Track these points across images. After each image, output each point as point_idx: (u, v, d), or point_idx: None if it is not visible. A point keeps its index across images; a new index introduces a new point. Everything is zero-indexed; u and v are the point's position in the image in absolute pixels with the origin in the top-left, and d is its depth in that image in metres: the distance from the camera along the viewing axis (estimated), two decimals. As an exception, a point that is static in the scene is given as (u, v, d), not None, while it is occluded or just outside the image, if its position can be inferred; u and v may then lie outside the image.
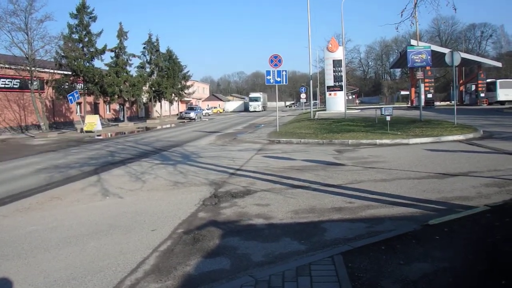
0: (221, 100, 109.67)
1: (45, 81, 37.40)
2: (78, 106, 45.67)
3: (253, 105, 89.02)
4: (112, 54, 46.33)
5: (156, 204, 7.86)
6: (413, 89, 54.89)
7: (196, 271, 4.64)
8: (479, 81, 50.37)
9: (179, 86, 62.10)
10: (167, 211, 7.27)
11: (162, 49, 59.26)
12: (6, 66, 32.22)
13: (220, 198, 7.95)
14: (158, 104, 62.38)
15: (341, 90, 43.10)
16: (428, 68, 39.55)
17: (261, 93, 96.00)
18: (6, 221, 7.29)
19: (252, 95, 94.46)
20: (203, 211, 7.13)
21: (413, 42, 40.81)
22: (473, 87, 54.34)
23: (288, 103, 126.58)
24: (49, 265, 5.08)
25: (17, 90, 38.37)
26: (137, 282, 4.43)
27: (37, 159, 16.65)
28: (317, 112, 41.25)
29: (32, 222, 7.10)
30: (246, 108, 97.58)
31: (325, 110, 47.05)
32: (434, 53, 32.80)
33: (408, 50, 23.29)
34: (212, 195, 8.24)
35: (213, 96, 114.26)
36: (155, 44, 57.16)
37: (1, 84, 36.63)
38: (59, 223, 6.96)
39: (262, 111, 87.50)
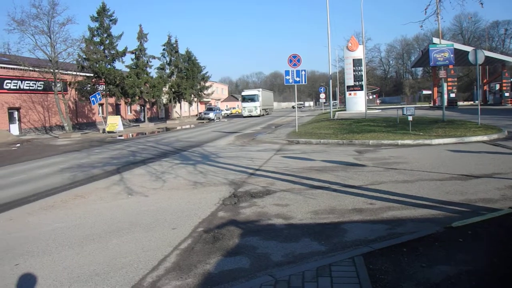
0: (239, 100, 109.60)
1: (68, 83, 38.08)
2: (100, 107, 46.48)
3: (248, 108, 60.95)
4: (133, 56, 46.96)
5: (176, 203, 7.92)
6: (435, 89, 54.13)
7: (216, 269, 4.66)
8: (504, 80, 49.42)
9: (198, 87, 62.51)
10: (187, 210, 7.33)
11: (181, 51, 59.91)
12: (30, 68, 32.92)
13: (239, 198, 7.97)
14: (177, 105, 62.87)
15: (361, 89, 42.77)
16: (451, 66, 39.03)
17: (260, 89, 65.75)
18: (31, 219, 7.45)
19: (246, 92, 64.10)
20: (223, 210, 7.17)
21: (435, 40, 40.12)
22: (497, 87, 53.40)
23: (293, 104, 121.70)
24: (73, 261, 5.17)
25: (41, 92, 39.16)
26: (158, 279, 4.48)
27: (61, 159, 16.96)
28: (336, 112, 41.02)
29: (56, 220, 7.24)
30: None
31: (345, 110, 46.74)
32: (456, 52, 32.24)
33: (430, 49, 22.94)
34: (231, 195, 8.27)
35: (232, 96, 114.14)
36: (174, 45, 57.66)
37: (26, 86, 37.43)
38: (82, 220, 7.08)
39: (262, 115, 62.41)
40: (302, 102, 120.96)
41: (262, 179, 9.80)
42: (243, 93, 64.74)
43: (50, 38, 33.06)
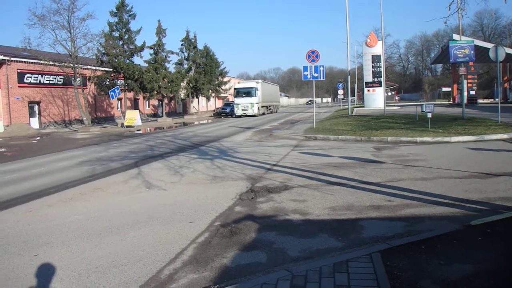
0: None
1: (87, 77, 38.53)
2: (119, 101, 46.94)
3: (242, 104, 48.61)
4: (151, 51, 47.33)
5: (194, 197, 7.97)
6: (455, 86, 53.33)
7: (232, 263, 4.68)
8: (525, 78, 48.45)
9: (216, 82, 62.69)
10: (204, 204, 7.37)
11: (200, 46, 59.97)
12: (51, 63, 33.35)
13: (256, 193, 7.98)
14: (195, 100, 63.13)
15: (380, 86, 42.34)
16: (471, 63, 38.38)
17: (260, 81, 53.39)
18: (50, 210, 7.56)
19: (241, 85, 51.91)
20: (240, 205, 7.19)
21: (455, 36, 39.48)
22: (518, 84, 52.35)
23: (308, 99, 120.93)
24: (91, 253, 5.24)
25: (61, 86, 39.67)
26: (175, 272, 4.52)
27: (80, 152, 17.19)
28: (355, 109, 40.68)
29: (75, 212, 7.34)
30: (282, 104, 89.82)
31: (363, 106, 46.34)
32: (477, 48, 31.54)
33: (450, 45, 22.61)
34: (248, 190, 8.29)
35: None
36: (193, 41, 57.84)
37: (46, 80, 37.95)
38: (101, 213, 7.17)
39: (263, 114, 51.06)
40: (312, 99, 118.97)
41: (280, 175, 9.80)
42: (236, 86, 51.64)
43: (70, 33, 33.53)
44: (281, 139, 18.78)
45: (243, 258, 4.82)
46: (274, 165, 11.31)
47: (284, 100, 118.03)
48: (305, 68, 22.34)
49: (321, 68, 22.20)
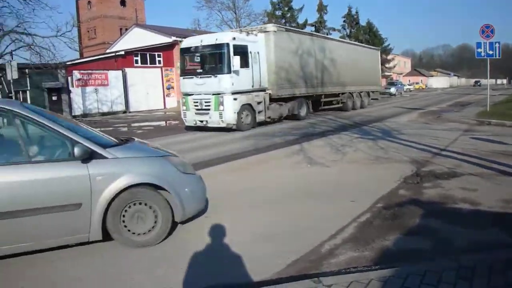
0: (423, 75, 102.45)
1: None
2: (283, 78, 48.35)
3: (195, 98, 16.46)
4: (313, 28, 47.59)
5: (355, 177, 8.01)
6: None
7: (394, 246, 4.64)
8: None
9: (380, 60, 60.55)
10: (366, 184, 7.35)
11: (362, 22, 58.29)
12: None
13: (422, 177, 7.65)
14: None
15: None
16: None
17: (271, 27, 18.13)
18: (219, 179, 8.18)
19: (193, 41, 17.42)
20: (404, 188, 7.00)
21: None
22: None
23: (477, 80, 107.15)
24: (255, 220, 5.65)
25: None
26: (336, 248, 4.64)
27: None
28: (539, 92, 35.86)
29: (241, 182, 7.95)
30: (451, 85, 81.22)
31: (550, 89, 40.59)
32: None
33: None
34: (413, 174, 7.97)
35: (415, 71, 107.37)
36: (355, 17, 56.65)
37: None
38: (265, 184, 7.65)
39: (278, 119, 18.87)
40: (479, 80, 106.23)
41: (447, 160, 9.20)
42: (183, 44, 18.56)
43: (235, 13, 35.45)
44: (449, 122, 17.52)
45: (405, 242, 4.74)
46: (442, 149, 10.62)
47: (454, 80, 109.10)
48: (479, 45, 20.18)
49: (497, 45, 19.82)
